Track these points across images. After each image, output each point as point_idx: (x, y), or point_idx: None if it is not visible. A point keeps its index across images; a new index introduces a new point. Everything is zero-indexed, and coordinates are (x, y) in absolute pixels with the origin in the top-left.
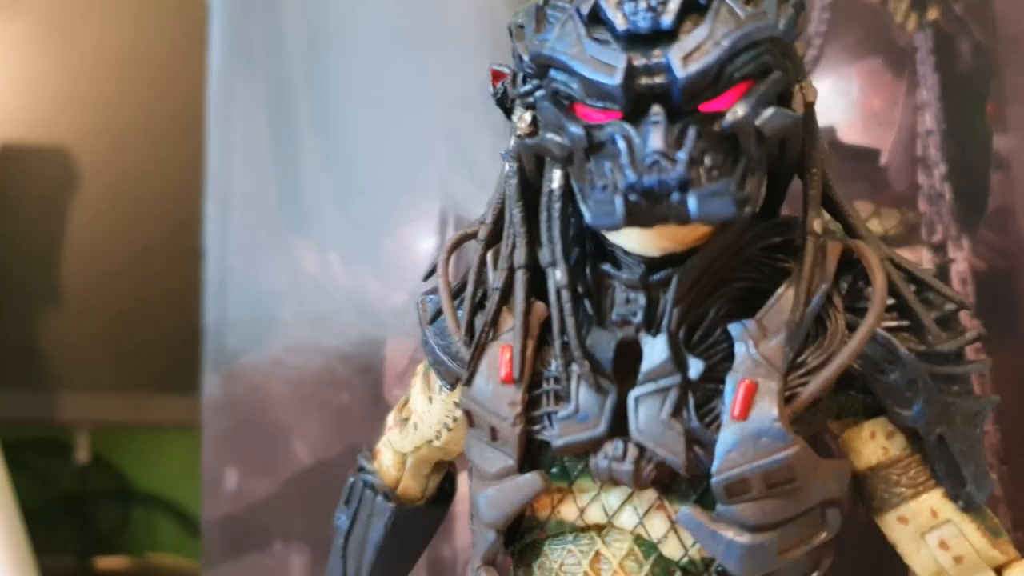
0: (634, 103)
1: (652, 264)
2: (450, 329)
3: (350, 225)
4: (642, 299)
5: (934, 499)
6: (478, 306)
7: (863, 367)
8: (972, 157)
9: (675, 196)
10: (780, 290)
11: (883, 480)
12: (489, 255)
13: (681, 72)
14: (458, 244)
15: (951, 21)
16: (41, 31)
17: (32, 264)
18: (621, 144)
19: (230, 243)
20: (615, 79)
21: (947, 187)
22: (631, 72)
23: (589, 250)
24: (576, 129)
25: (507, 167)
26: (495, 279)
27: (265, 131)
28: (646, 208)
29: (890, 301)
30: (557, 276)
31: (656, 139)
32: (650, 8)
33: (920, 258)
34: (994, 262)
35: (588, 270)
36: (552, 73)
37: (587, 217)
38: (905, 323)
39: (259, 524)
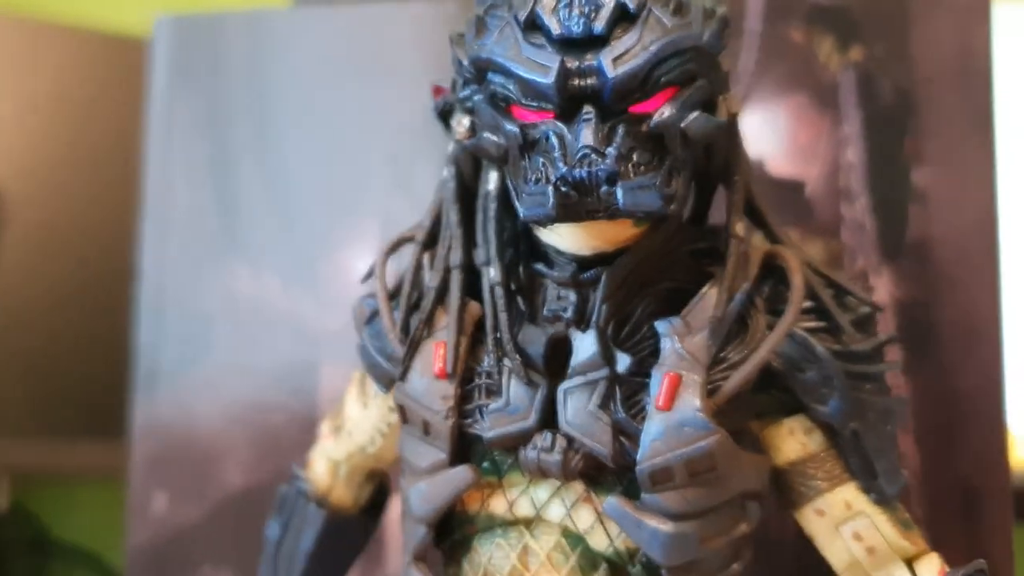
0: (567, 103)
1: (583, 263)
2: (386, 328)
3: (289, 248)
4: (573, 296)
5: (848, 492)
6: (414, 306)
7: (783, 365)
8: (892, 190)
9: (604, 188)
10: (704, 289)
11: (801, 474)
12: (426, 257)
13: (611, 73)
14: (396, 247)
15: (872, 61)
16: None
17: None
18: (554, 140)
19: (166, 264)
20: (549, 78)
21: (869, 218)
22: (564, 72)
23: (523, 250)
24: (512, 127)
25: (445, 171)
26: (431, 279)
27: (205, 155)
28: (576, 200)
29: (809, 304)
30: (491, 274)
31: (587, 135)
32: (583, 15)
33: None
34: (913, 291)
35: (522, 269)
36: (490, 76)
37: (520, 211)
38: (823, 324)
39: (187, 549)
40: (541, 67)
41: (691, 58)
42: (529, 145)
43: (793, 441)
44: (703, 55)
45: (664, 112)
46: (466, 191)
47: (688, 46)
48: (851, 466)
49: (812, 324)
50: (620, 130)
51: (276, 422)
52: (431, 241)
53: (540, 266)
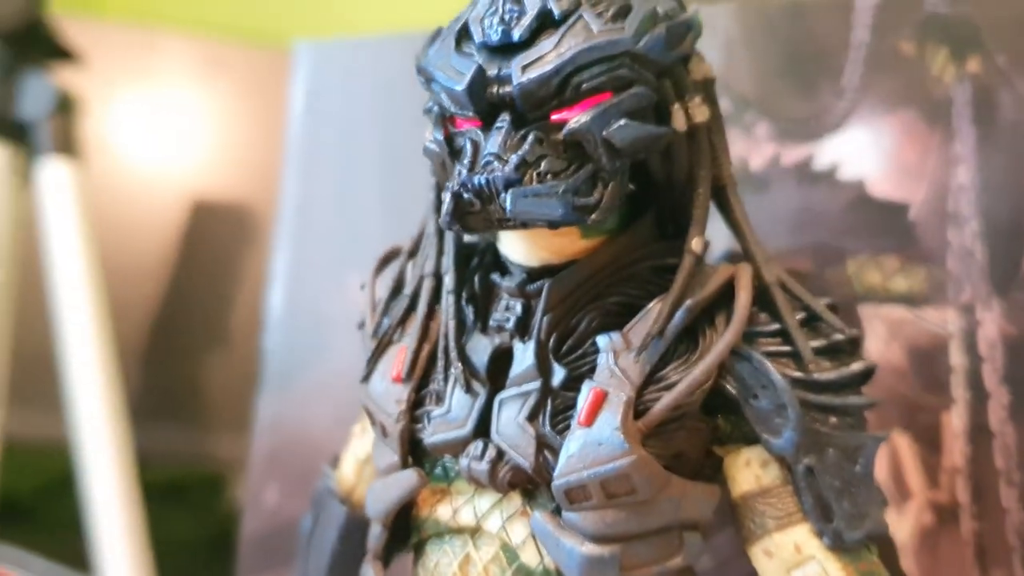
0: (488, 111)
1: (533, 274)
2: (367, 333)
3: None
4: (519, 307)
5: (799, 534)
6: (387, 313)
7: (737, 389)
8: (1007, 215)
9: (502, 196)
10: (651, 304)
11: (751, 510)
12: (410, 266)
13: (517, 79)
14: (388, 259)
15: (992, 73)
16: (241, 89)
17: (207, 310)
18: (468, 147)
19: (297, 274)
20: (462, 85)
21: (979, 245)
22: (479, 79)
23: (487, 261)
24: (437, 135)
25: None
26: (408, 287)
27: (335, 176)
28: (479, 208)
29: (774, 326)
30: (446, 282)
31: (494, 142)
32: (503, 22)
33: (945, 318)
34: None
35: (479, 278)
36: (432, 85)
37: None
38: (786, 349)
39: (295, 540)
40: (459, 74)
41: (623, 64)
42: (454, 153)
43: (748, 472)
44: (641, 61)
45: (581, 119)
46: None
47: (617, 52)
48: (804, 505)
49: (774, 347)
50: (531, 137)
51: None
52: (415, 251)
53: (496, 276)
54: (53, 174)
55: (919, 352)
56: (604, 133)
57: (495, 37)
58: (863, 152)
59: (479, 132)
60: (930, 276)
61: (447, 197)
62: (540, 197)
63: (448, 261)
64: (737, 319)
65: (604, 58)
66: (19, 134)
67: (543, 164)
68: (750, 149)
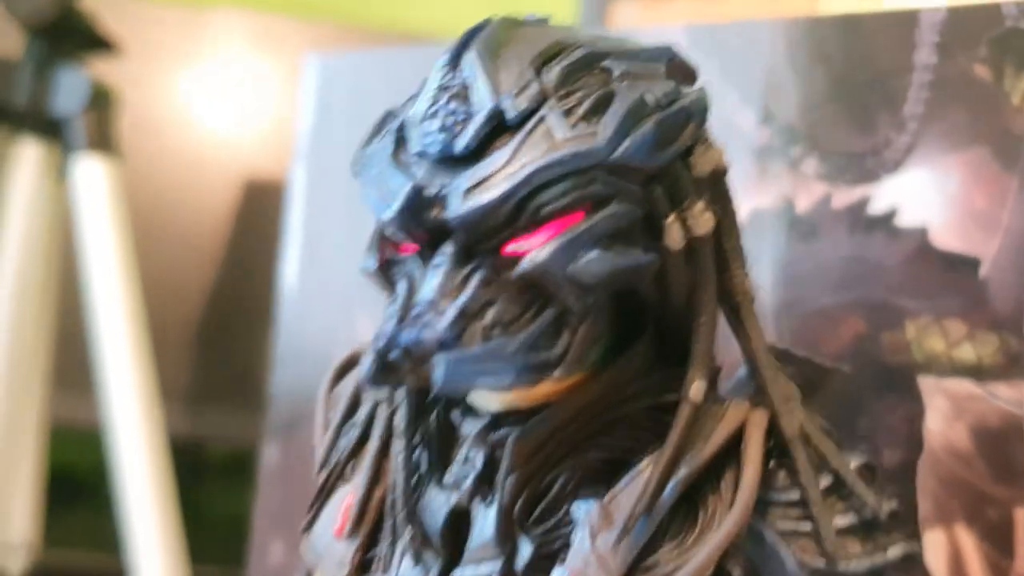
0: (429, 239)
1: (498, 418)
2: (317, 463)
3: None
4: (480, 458)
5: None
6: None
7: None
8: None
9: (433, 360)
10: (640, 466)
11: None
12: None
13: (458, 209)
14: (343, 371)
15: None
16: (295, 66)
17: (261, 292)
18: (401, 288)
19: (304, 312)
20: (391, 212)
21: None
22: (410, 204)
23: None
24: (371, 263)
25: None
26: (361, 411)
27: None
28: (408, 369)
29: (793, 495)
30: (396, 420)
31: (430, 285)
32: (444, 129)
33: (1021, 396)
34: None
35: (438, 414)
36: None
37: None
38: (806, 527)
39: None
40: (390, 195)
41: (595, 178)
42: (390, 285)
43: None
44: (621, 172)
45: (538, 256)
46: None
47: (586, 166)
48: None
49: (791, 523)
50: (475, 279)
51: None
52: None
53: (456, 413)
54: (88, 172)
55: (989, 434)
56: (569, 269)
57: (435, 148)
58: (926, 195)
59: (418, 262)
60: (1004, 345)
61: (369, 355)
62: (482, 362)
63: (401, 391)
64: (745, 491)
65: (568, 174)
66: (53, 130)
67: (489, 314)
68: (796, 188)
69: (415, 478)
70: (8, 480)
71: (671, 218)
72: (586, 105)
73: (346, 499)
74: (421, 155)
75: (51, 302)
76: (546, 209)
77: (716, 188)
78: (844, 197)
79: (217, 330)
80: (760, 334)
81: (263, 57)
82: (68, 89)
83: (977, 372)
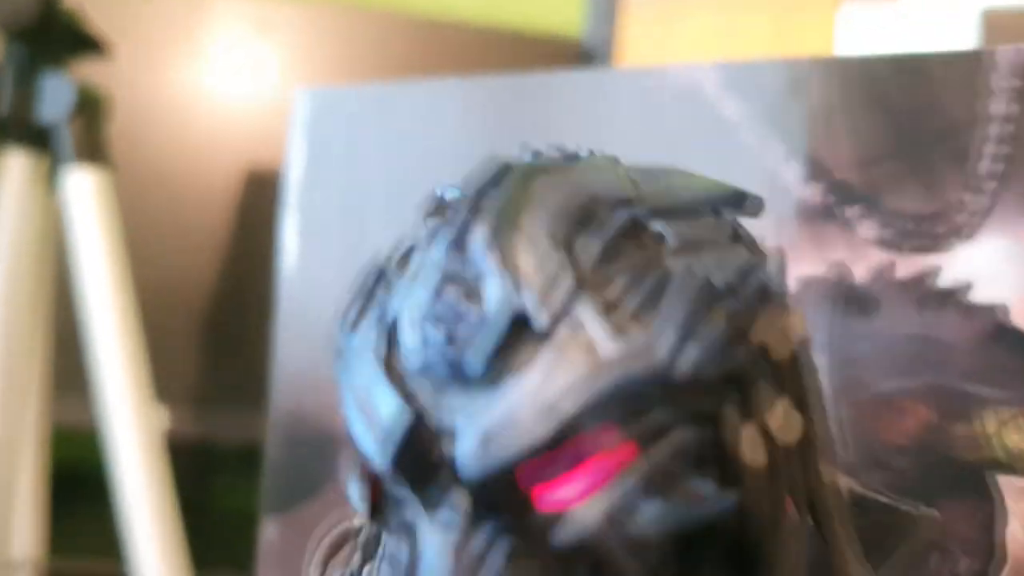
0: (427, 481)
1: None
2: None
3: None
4: None
5: None
6: None
7: None
8: None
9: None
10: None
11: None
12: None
13: (475, 458)
14: (338, 546)
15: None
16: (291, 54)
17: (264, 287)
18: (400, 551)
19: (300, 373)
20: (381, 454)
21: None
22: (407, 442)
23: None
24: (358, 499)
25: None
26: None
27: (342, 247)
28: None
29: None
30: None
31: (438, 558)
32: (450, 339)
33: None
34: None
35: None
36: (345, 414)
37: None
38: None
39: None
40: (379, 425)
41: (651, 402)
42: (384, 526)
43: None
44: (684, 387)
45: (583, 517)
46: None
47: (646, 389)
48: None
49: None
50: (500, 551)
51: None
52: (374, 548)
53: None
54: (77, 182)
55: None
56: (625, 530)
57: (438, 366)
58: (1004, 267)
59: (416, 507)
60: None
61: None
62: None
63: None
64: None
65: (617, 402)
66: (40, 140)
67: None
68: (853, 254)
69: None
70: (8, 494)
71: (748, 431)
72: (633, 299)
73: None
74: (422, 371)
75: (44, 314)
76: (583, 442)
77: (795, 370)
78: (909, 266)
79: (222, 327)
80: (855, 547)
81: (263, 44)
82: (53, 96)
83: None
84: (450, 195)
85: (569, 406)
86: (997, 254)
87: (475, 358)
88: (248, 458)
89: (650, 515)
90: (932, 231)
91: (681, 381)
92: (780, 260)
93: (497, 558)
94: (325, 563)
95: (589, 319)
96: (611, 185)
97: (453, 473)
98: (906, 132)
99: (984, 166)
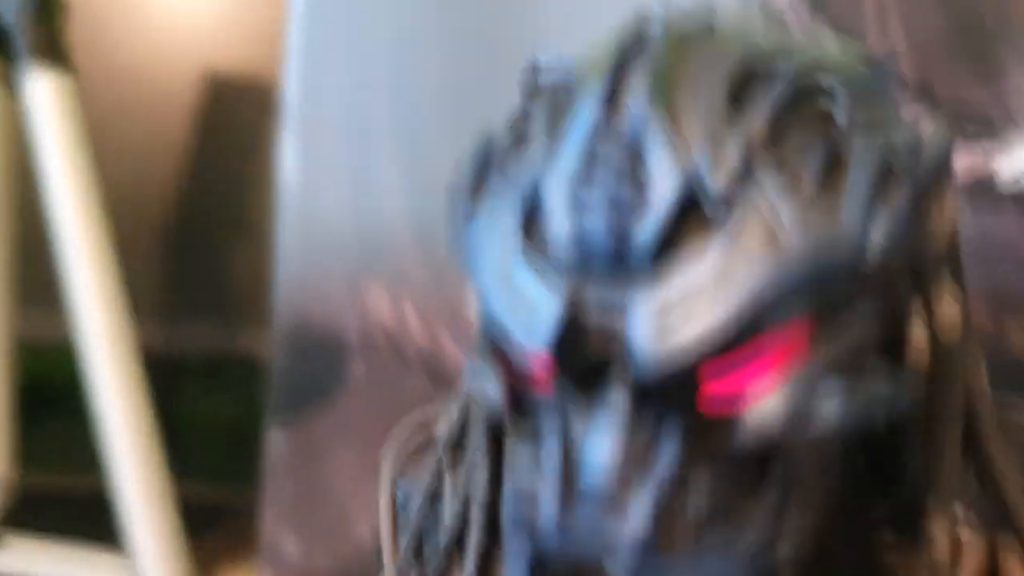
0: (584, 375)
1: None
2: (385, 568)
3: (429, 268)
4: None
5: None
6: (421, 540)
7: None
8: None
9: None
10: None
11: None
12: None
13: (650, 352)
14: (412, 439)
15: None
16: None
17: (230, 196)
18: (551, 446)
19: (305, 280)
20: (538, 341)
21: None
22: (568, 333)
23: None
24: (494, 396)
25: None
26: (448, 509)
27: (345, 148)
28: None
29: None
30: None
31: (602, 451)
32: (611, 218)
33: None
34: None
35: None
36: (483, 305)
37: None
38: None
39: None
40: (531, 317)
41: (832, 286)
42: (522, 431)
43: None
44: (863, 270)
45: (767, 413)
46: None
47: (829, 273)
48: None
49: None
50: (671, 448)
51: None
52: (457, 441)
53: None
54: (38, 84)
55: None
56: (804, 432)
57: (598, 252)
58: None
59: (567, 408)
60: None
61: (518, 559)
62: (695, 572)
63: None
64: None
65: (803, 285)
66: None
67: (694, 499)
68: None
69: None
70: None
71: (916, 323)
72: (812, 174)
73: None
74: (577, 257)
75: (7, 224)
76: (765, 336)
77: (953, 256)
78: (966, 161)
79: (187, 236)
80: (1004, 449)
81: None
82: None
83: None
84: (553, 64)
85: (754, 296)
86: None
87: (642, 244)
88: (215, 370)
89: (832, 414)
90: (990, 123)
91: (865, 270)
92: (946, 136)
93: (669, 460)
94: (397, 459)
95: (766, 201)
96: (757, 45)
97: (614, 369)
98: (965, 24)
99: None
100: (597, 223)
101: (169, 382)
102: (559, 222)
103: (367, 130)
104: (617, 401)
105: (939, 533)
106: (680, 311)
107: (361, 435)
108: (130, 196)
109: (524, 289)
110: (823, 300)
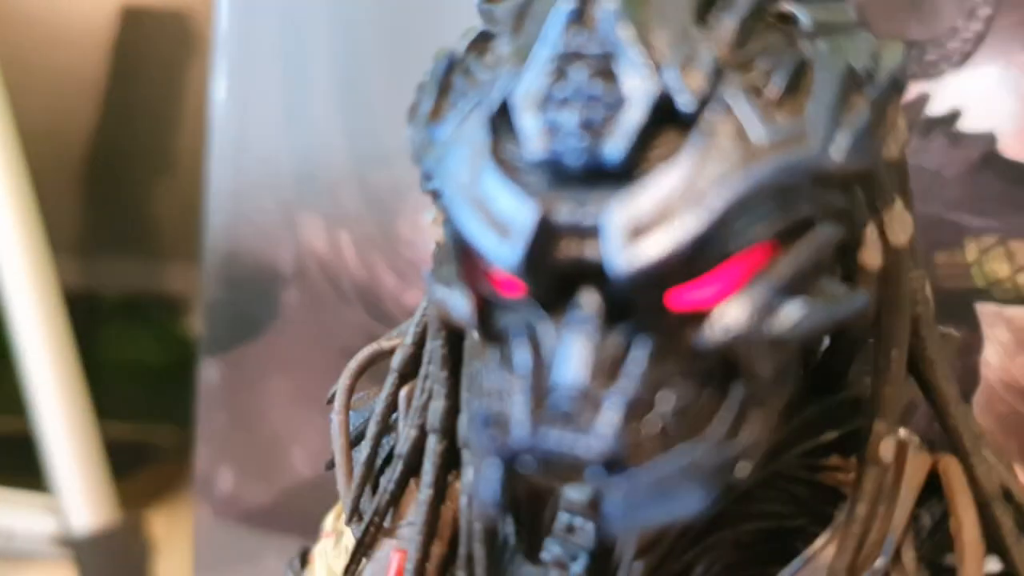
0: (556, 284)
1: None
2: (341, 496)
3: (365, 200)
4: (590, 532)
5: None
6: (378, 471)
7: None
8: None
9: (593, 475)
10: (816, 546)
11: None
12: (404, 394)
13: (623, 262)
14: (367, 366)
15: None
16: None
17: (150, 132)
18: (523, 355)
19: (237, 211)
20: (514, 251)
21: None
22: (539, 242)
23: None
24: (463, 305)
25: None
26: (402, 439)
27: (280, 77)
28: (547, 482)
29: (996, 567)
30: (470, 474)
31: (573, 364)
32: (586, 123)
33: None
34: None
35: None
36: (451, 216)
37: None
38: None
39: (254, 537)
40: (503, 224)
41: (798, 195)
42: (491, 337)
43: None
44: (828, 180)
45: (731, 317)
46: None
47: (797, 180)
48: None
49: None
50: (638, 352)
51: None
52: (412, 369)
53: None
54: None
55: None
56: (767, 330)
57: (573, 157)
58: (996, 96)
59: (537, 319)
60: None
61: (489, 467)
62: (666, 485)
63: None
64: (968, 567)
65: (775, 193)
66: None
67: (662, 402)
68: None
69: (497, 549)
70: None
71: (870, 228)
72: (778, 81)
73: (394, 562)
74: (548, 162)
75: None
76: (734, 245)
77: (901, 173)
78: None
79: (102, 173)
80: (943, 357)
81: None
82: None
83: None
84: None
85: (724, 197)
86: (989, 82)
87: (616, 144)
88: (132, 309)
89: (792, 315)
90: (923, 58)
91: (828, 173)
92: (902, 48)
93: (638, 358)
94: (352, 385)
95: (737, 102)
96: None
97: (584, 273)
98: None
99: None
100: (570, 129)
101: (90, 320)
102: (531, 128)
103: (302, 60)
104: (588, 304)
105: (886, 453)
106: (653, 220)
107: (295, 366)
108: (47, 131)
109: (494, 198)
110: (789, 209)
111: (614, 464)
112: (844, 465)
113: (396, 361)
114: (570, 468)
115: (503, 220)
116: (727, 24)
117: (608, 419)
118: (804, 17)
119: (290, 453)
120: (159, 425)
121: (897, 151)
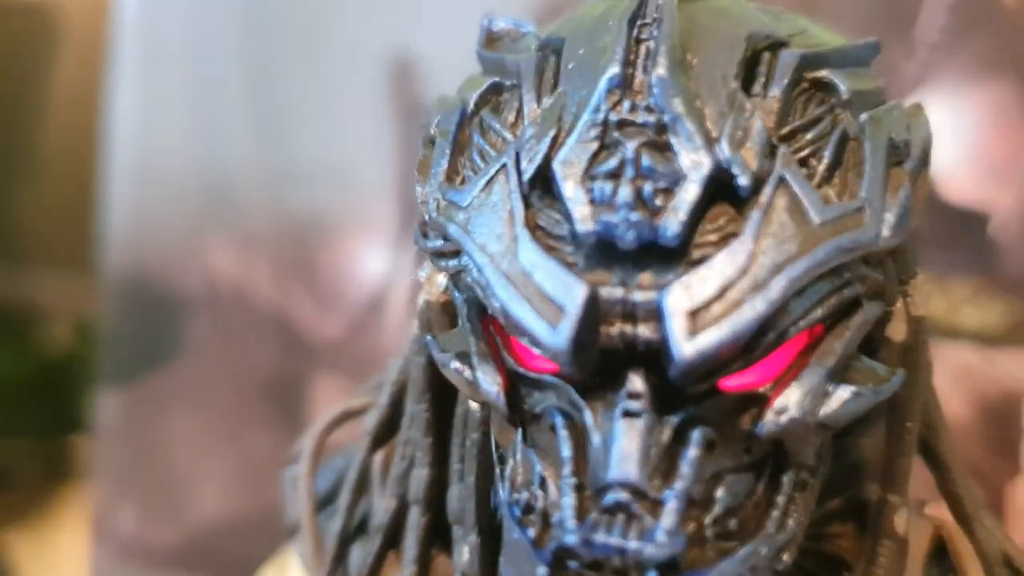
0: (598, 360)
1: None
2: (309, 562)
3: (283, 225)
4: None
5: None
6: (349, 539)
7: None
8: None
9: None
10: None
11: None
12: (379, 459)
13: (689, 347)
14: (335, 427)
15: None
16: None
17: (9, 132)
18: (563, 438)
19: (140, 231)
20: (561, 331)
21: None
22: (591, 320)
23: None
24: (490, 384)
25: (414, 336)
26: (381, 508)
27: (189, 87)
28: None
29: None
30: (464, 553)
31: (627, 460)
32: (640, 198)
33: None
34: None
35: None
36: (466, 261)
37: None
38: None
39: None
40: (547, 303)
41: (850, 275)
42: (524, 417)
43: None
44: (871, 257)
45: (789, 405)
46: (443, 381)
47: (852, 259)
48: None
49: None
50: (692, 449)
51: (258, 442)
52: (387, 432)
53: None
54: None
55: (987, 405)
56: (822, 414)
57: (624, 233)
58: (936, 139)
59: (575, 400)
60: (1010, 311)
61: (530, 564)
62: None
63: (468, 511)
64: None
65: (831, 273)
66: None
67: (720, 498)
68: None
69: None
70: None
71: (899, 304)
72: (825, 156)
73: None
74: (595, 235)
75: None
76: (793, 328)
77: (917, 239)
78: None
79: None
80: (944, 423)
81: None
82: None
83: (979, 337)
84: (505, 24)
85: (785, 282)
86: (932, 120)
87: (674, 221)
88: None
89: (842, 399)
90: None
91: (878, 250)
92: (925, 115)
93: (694, 452)
94: (319, 447)
95: (790, 178)
96: (758, 22)
97: (632, 355)
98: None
99: (921, 33)
100: (622, 201)
101: None
102: (576, 198)
103: (212, 70)
104: (638, 390)
105: (900, 525)
106: (717, 305)
107: (203, 398)
108: None
109: (532, 273)
110: (842, 290)
111: (673, 570)
112: (844, 532)
113: (370, 423)
114: (621, 570)
115: (546, 298)
116: (773, 94)
117: (668, 523)
118: (843, 85)
119: (199, 490)
120: (16, 442)
121: (920, 221)
